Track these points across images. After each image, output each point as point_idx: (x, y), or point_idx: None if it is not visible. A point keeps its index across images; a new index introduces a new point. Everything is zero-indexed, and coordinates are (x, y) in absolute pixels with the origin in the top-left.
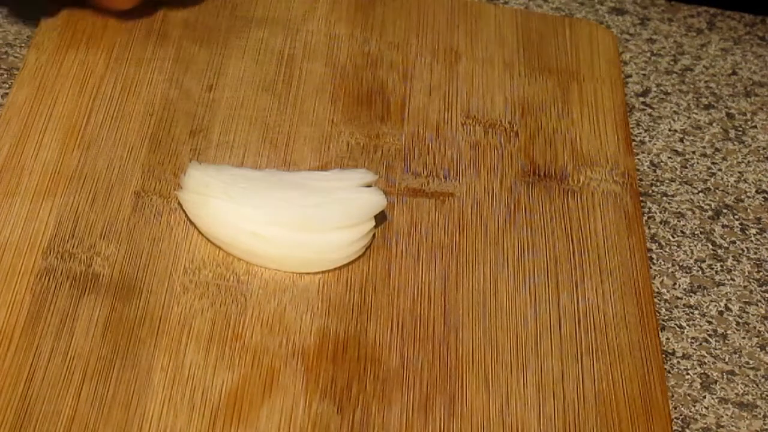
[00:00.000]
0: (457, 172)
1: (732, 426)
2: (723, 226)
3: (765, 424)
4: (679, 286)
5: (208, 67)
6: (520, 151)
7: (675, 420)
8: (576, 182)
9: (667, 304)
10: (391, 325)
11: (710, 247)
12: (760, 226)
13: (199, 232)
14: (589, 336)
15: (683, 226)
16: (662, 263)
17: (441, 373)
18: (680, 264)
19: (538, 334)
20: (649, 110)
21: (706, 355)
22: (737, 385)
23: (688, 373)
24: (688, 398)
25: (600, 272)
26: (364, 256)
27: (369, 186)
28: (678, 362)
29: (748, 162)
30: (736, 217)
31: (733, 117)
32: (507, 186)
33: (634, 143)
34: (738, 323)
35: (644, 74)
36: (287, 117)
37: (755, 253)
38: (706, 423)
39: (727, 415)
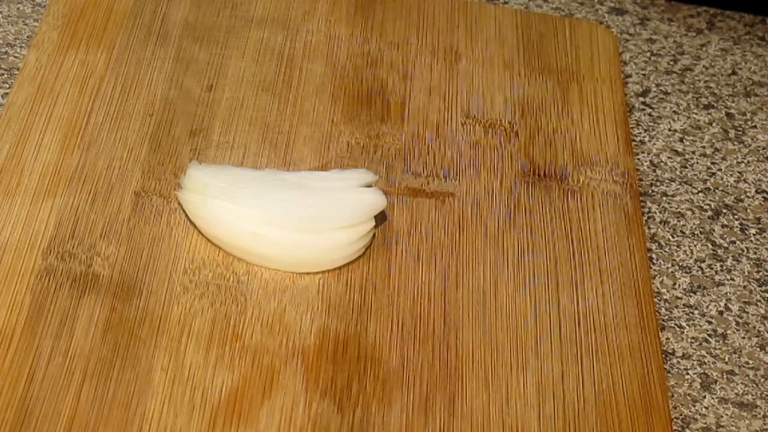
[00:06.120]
0: (457, 172)
1: (732, 426)
2: (723, 226)
3: (765, 424)
4: (679, 286)
5: (208, 67)
6: (520, 151)
7: (675, 420)
8: (576, 182)
9: (667, 304)
10: (391, 325)
11: (710, 247)
12: (760, 226)
13: (199, 232)
14: (589, 336)
15: (683, 226)
16: (662, 263)
17: (441, 373)
18: (680, 264)
19: (538, 334)
20: (649, 110)
21: (706, 355)
22: (737, 385)
23: (688, 373)
24: (688, 398)
25: (600, 272)
26: (364, 256)
27: (369, 186)
28: (678, 362)
29: (748, 162)
30: (736, 217)
31: (733, 117)
32: (507, 186)
33: (634, 143)
34: (738, 323)
35: (644, 74)
36: (287, 117)
37: (755, 253)
38: (706, 423)
39: (727, 415)
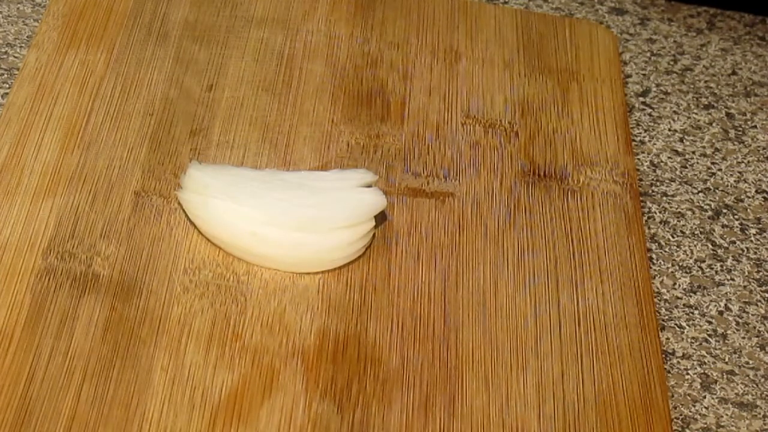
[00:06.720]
0: (457, 172)
1: (732, 426)
2: (723, 226)
3: (765, 424)
4: (679, 286)
5: (208, 67)
6: (520, 151)
7: (675, 420)
8: (576, 182)
9: (667, 304)
10: (391, 325)
11: (710, 247)
12: (760, 226)
13: (199, 232)
14: (589, 336)
15: (683, 226)
16: (662, 263)
17: (441, 373)
18: (680, 264)
19: (538, 334)
20: (649, 110)
21: (706, 355)
22: (737, 385)
23: (688, 373)
24: (688, 398)
25: (600, 272)
26: (364, 256)
27: (369, 186)
28: (678, 362)
29: (748, 162)
30: (736, 217)
31: (733, 117)
32: (507, 186)
33: (634, 143)
34: (738, 323)
35: (644, 74)
36: (287, 117)
37: (755, 253)
38: (706, 423)
39: (727, 415)
